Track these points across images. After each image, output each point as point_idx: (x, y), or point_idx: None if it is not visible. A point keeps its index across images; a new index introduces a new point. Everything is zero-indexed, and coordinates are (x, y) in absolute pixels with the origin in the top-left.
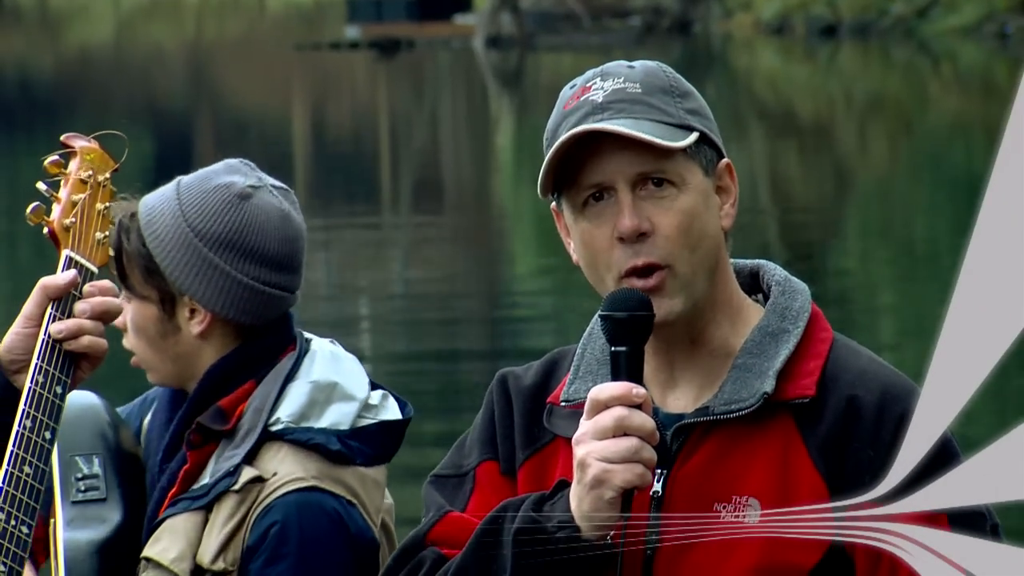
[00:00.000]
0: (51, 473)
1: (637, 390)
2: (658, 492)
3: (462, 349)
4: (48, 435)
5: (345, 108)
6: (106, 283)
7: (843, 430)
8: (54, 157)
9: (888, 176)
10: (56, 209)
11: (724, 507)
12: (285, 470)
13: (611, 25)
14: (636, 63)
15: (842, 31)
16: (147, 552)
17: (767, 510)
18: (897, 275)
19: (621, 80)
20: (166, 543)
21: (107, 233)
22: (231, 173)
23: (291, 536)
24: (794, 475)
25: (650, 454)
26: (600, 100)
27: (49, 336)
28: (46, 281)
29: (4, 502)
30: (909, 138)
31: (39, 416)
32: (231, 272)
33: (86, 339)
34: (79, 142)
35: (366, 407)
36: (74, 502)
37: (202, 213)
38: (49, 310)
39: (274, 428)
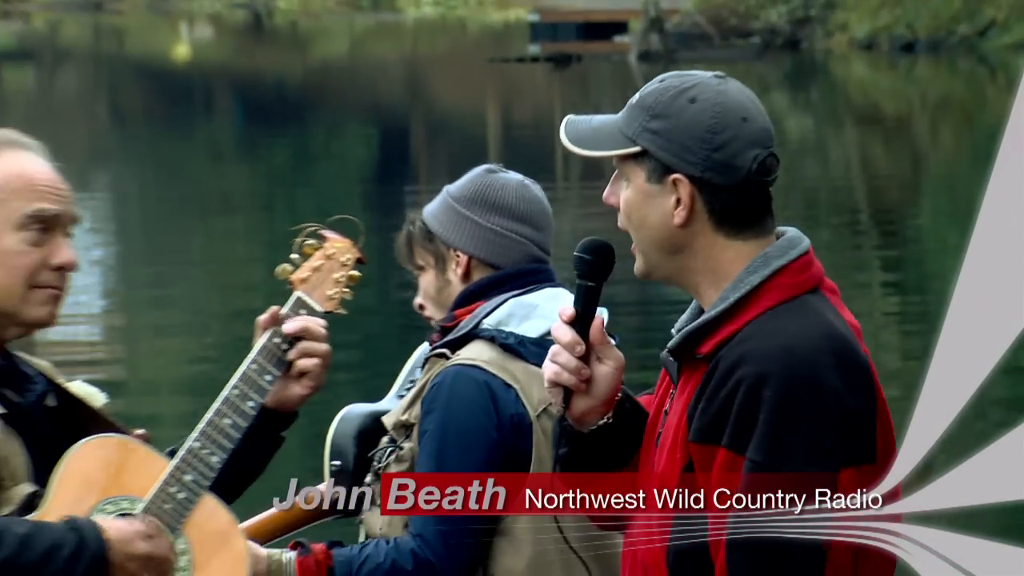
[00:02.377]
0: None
1: (566, 310)
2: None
3: (618, 301)
4: (250, 404)
5: (528, 109)
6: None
7: (702, 390)
8: (311, 241)
9: (954, 160)
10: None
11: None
12: (465, 353)
13: (736, 43)
14: (675, 81)
15: (919, 47)
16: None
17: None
18: (963, 235)
19: (641, 92)
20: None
21: (337, 291)
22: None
23: (442, 393)
24: (683, 428)
25: (565, 359)
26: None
27: (270, 336)
28: (261, 317)
29: (202, 436)
30: (970, 131)
31: (245, 389)
32: (478, 220)
33: (311, 361)
34: (332, 235)
35: None
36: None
37: (460, 186)
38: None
39: (477, 331)
